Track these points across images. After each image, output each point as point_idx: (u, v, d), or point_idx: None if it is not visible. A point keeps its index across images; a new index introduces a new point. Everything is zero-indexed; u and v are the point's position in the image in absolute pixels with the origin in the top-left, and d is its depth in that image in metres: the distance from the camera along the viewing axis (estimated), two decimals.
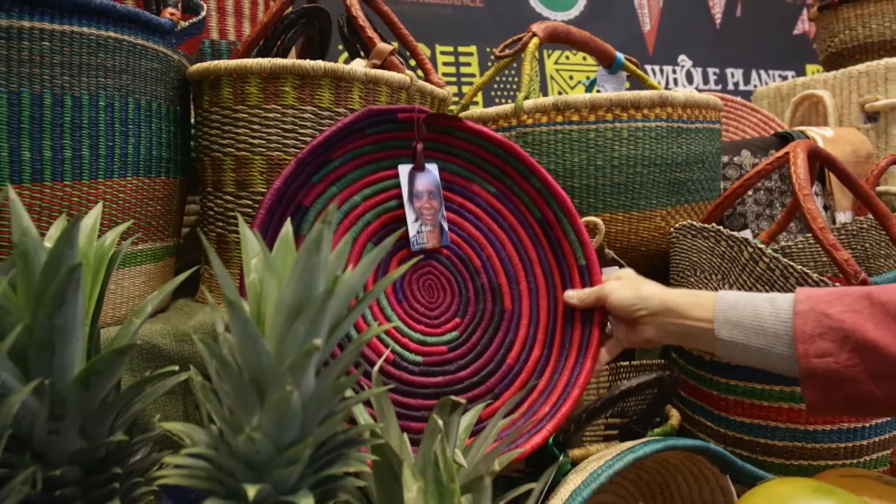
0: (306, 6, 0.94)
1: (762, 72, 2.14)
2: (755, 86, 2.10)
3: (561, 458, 0.62)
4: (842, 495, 0.52)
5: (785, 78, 2.15)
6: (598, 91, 1.11)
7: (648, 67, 1.93)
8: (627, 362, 0.87)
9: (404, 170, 0.68)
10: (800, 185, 0.79)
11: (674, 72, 1.97)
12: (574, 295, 0.71)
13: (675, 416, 0.83)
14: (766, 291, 0.70)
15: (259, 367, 0.36)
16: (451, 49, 1.59)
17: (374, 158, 0.68)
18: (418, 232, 0.68)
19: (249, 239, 0.42)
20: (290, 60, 0.71)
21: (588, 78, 1.20)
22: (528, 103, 0.90)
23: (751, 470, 0.65)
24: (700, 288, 0.83)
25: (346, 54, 1.04)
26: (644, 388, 0.68)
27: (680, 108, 0.94)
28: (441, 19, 1.59)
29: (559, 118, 0.89)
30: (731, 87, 2.08)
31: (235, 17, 1.16)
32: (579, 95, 0.90)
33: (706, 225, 0.83)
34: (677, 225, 0.89)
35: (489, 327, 0.70)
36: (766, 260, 0.73)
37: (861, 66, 1.47)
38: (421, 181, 0.69)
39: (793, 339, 0.56)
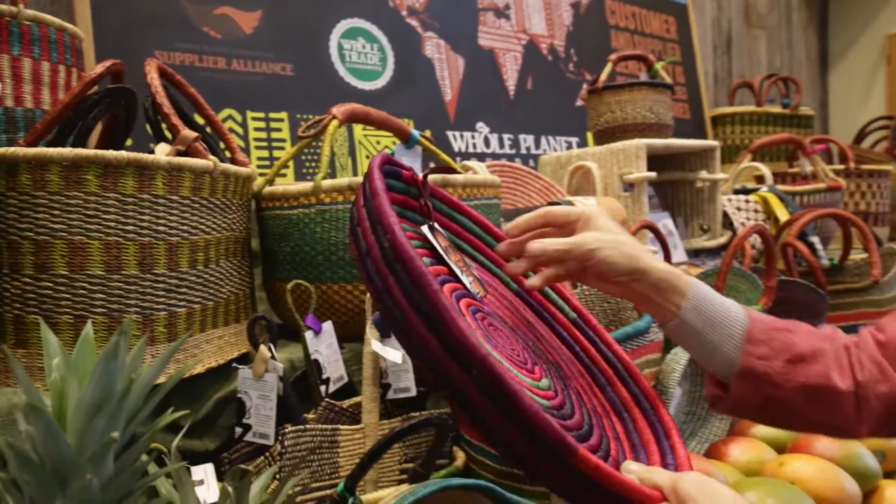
0: (111, 87, 0.96)
1: (550, 138, 2.42)
2: (544, 150, 2.38)
3: (350, 501, 0.71)
4: None
5: (570, 144, 2.46)
6: None
7: (450, 133, 2.13)
8: (418, 413, 0.98)
9: (426, 229, 0.64)
10: None
11: (473, 137, 2.19)
12: (547, 243, 0.64)
13: (460, 458, 0.95)
14: None
15: (61, 459, 0.41)
16: (262, 115, 1.66)
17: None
18: (470, 283, 0.64)
19: (51, 341, 0.47)
20: (93, 151, 0.75)
21: (395, 144, 1.33)
22: (326, 183, 1.00)
23: (517, 500, 0.77)
24: None
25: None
26: (417, 429, 0.75)
27: (460, 188, 1.09)
28: (253, 86, 1.66)
29: (353, 197, 1.00)
30: (523, 150, 2.33)
31: (33, 84, 1.14)
32: None
33: None
34: None
35: (559, 380, 0.62)
36: None
37: (619, 144, 1.74)
38: (441, 238, 0.65)
39: (743, 338, 0.64)
